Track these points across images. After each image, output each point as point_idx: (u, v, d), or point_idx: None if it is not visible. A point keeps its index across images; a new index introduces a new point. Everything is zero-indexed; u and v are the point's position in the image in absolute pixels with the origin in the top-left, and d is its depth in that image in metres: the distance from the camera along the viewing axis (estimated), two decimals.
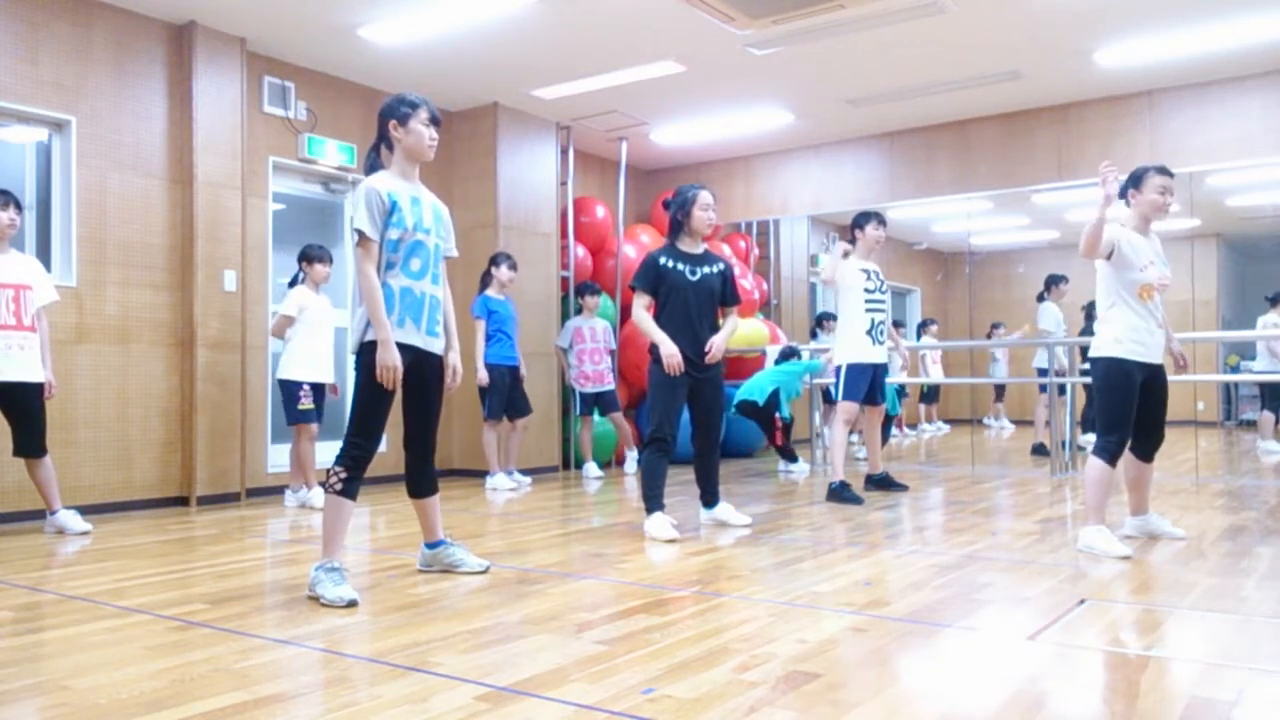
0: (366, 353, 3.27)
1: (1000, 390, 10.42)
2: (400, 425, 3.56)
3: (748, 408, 7.61)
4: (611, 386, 7.52)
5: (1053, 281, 8.38)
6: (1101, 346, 4.02)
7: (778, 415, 7.57)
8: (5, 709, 2.16)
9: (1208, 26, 6.08)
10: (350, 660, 2.52)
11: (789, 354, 7.89)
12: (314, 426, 5.75)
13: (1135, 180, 4.08)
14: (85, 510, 5.14)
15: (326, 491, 3.28)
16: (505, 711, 2.09)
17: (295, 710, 2.11)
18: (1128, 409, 3.97)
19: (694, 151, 9.16)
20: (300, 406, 5.65)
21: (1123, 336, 3.97)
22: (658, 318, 4.59)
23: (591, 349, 7.49)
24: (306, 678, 2.35)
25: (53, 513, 4.83)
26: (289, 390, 5.65)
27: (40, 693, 2.26)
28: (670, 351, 4.47)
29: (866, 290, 5.76)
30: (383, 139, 3.43)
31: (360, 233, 3.25)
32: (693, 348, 4.58)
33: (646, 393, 4.63)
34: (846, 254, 5.85)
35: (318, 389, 5.72)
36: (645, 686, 2.25)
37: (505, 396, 6.77)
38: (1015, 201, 8.54)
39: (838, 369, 5.83)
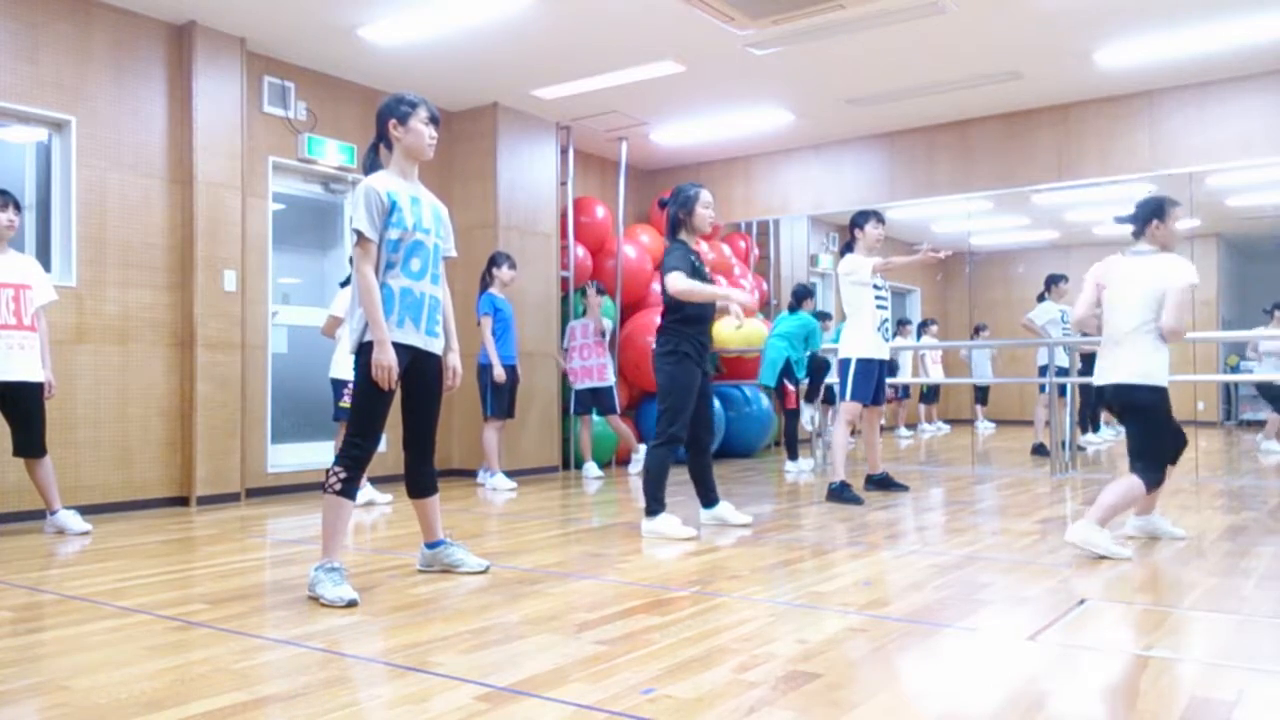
0: (365, 353, 3.27)
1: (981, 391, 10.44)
2: (400, 425, 3.56)
3: (767, 390, 7.66)
4: (608, 384, 7.49)
5: (1053, 281, 8.37)
6: (1150, 374, 3.94)
7: (786, 383, 7.56)
8: (5, 709, 2.16)
9: (1208, 26, 6.08)
10: (350, 660, 2.51)
11: (803, 295, 7.77)
12: None
13: (1159, 213, 4.05)
14: (85, 510, 5.14)
15: (325, 492, 3.28)
16: (505, 711, 2.09)
17: (295, 710, 2.11)
18: (1169, 438, 3.99)
19: (694, 151, 9.16)
20: (342, 404, 5.76)
21: (1165, 365, 3.96)
22: (682, 310, 4.58)
23: (582, 345, 7.52)
24: (306, 678, 2.35)
25: (53, 513, 4.83)
26: (336, 388, 5.79)
27: (40, 693, 2.26)
28: (741, 298, 4.70)
29: (875, 287, 5.78)
30: (381, 139, 3.43)
31: (359, 233, 3.26)
32: (707, 342, 4.64)
33: (660, 390, 4.61)
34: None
35: None
36: (645, 686, 2.25)
37: (509, 395, 6.79)
38: (1015, 201, 8.53)
39: (844, 363, 5.81)
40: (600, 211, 8.58)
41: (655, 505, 4.55)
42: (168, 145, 5.90)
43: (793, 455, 7.75)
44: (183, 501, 5.85)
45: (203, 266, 5.90)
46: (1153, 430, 3.98)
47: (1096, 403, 8.61)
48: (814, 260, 10.25)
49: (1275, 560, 3.77)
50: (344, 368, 5.72)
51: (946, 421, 11.32)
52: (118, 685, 2.30)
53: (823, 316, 8.90)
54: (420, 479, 3.60)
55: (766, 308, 9.98)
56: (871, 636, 2.70)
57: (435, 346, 3.46)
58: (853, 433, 6.08)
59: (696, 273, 4.58)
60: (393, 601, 3.19)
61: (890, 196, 8.40)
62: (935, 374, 10.24)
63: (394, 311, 3.31)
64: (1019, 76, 6.99)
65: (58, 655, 2.59)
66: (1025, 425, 9.70)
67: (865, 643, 2.64)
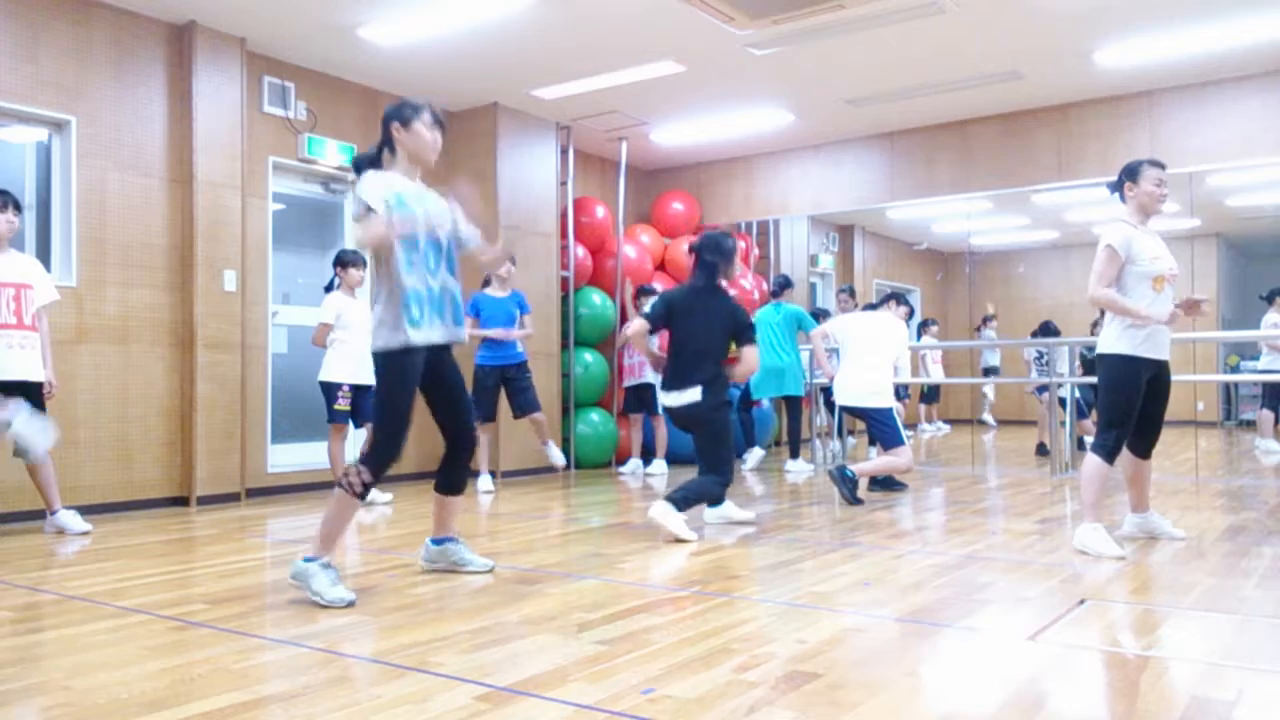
0: (388, 359, 3.25)
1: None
2: (416, 427, 3.54)
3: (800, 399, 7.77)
4: (648, 380, 7.53)
5: (1044, 330, 8.39)
6: (1110, 343, 3.98)
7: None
8: (5, 709, 2.16)
9: (1208, 26, 6.08)
10: (350, 660, 2.52)
11: (785, 284, 7.78)
12: (348, 427, 5.89)
13: (1130, 174, 4.07)
14: (85, 510, 5.13)
15: (340, 487, 3.23)
16: (505, 711, 2.09)
17: (295, 710, 2.11)
18: (1130, 407, 3.95)
19: (694, 151, 9.16)
20: (336, 407, 5.79)
21: (1133, 333, 3.94)
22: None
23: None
24: (306, 678, 2.35)
25: (53, 513, 4.82)
26: (328, 391, 5.78)
27: (40, 693, 2.26)
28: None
29: None
30: (386, 143, 3.41)
31: (369, 206, 3.15)
32: None
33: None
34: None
35: (359, 390, 5.79)
36: (645, 686, 2.25)
37: (492, 398, 6.53)
38: (1015, 201, 8.54)
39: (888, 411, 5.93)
40: (600, 211, 8.58)
41: (685, 504, 4.50)
42: (168, 145, 5.90)
43: (794, 454, 7.76)
44: (183, 501, 5.85)
45: (203, 266, 5.90)
46: (1103, 397, 4.01)
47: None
48: (814, 260, 10.26)
49: (1275, 560, 3.77)
50: (334, 370, 5.75)
51: (946, 421, 11.32)
52: (118, 685, 2.30)
53: (823, 314, 8.91)
54: (458, 476, 3.59)
55: None
56: (871, 636, 2.70)
57: (461, 335, 3.45)
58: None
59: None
60: (393, 601, 3.19)
61: (890, 196, 8.40)
62: (935, 374, 10.24)
63: (424, 313, 3.29)
64: (1019, 76, 6.99)
65: (58, 655, 2.59)
66: (1025, 425, 9.72)
67: (865, 643, 2.64)
